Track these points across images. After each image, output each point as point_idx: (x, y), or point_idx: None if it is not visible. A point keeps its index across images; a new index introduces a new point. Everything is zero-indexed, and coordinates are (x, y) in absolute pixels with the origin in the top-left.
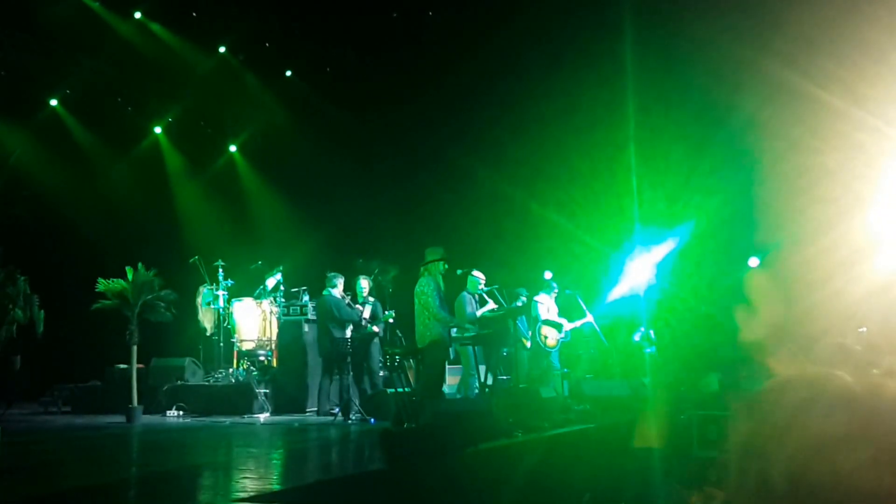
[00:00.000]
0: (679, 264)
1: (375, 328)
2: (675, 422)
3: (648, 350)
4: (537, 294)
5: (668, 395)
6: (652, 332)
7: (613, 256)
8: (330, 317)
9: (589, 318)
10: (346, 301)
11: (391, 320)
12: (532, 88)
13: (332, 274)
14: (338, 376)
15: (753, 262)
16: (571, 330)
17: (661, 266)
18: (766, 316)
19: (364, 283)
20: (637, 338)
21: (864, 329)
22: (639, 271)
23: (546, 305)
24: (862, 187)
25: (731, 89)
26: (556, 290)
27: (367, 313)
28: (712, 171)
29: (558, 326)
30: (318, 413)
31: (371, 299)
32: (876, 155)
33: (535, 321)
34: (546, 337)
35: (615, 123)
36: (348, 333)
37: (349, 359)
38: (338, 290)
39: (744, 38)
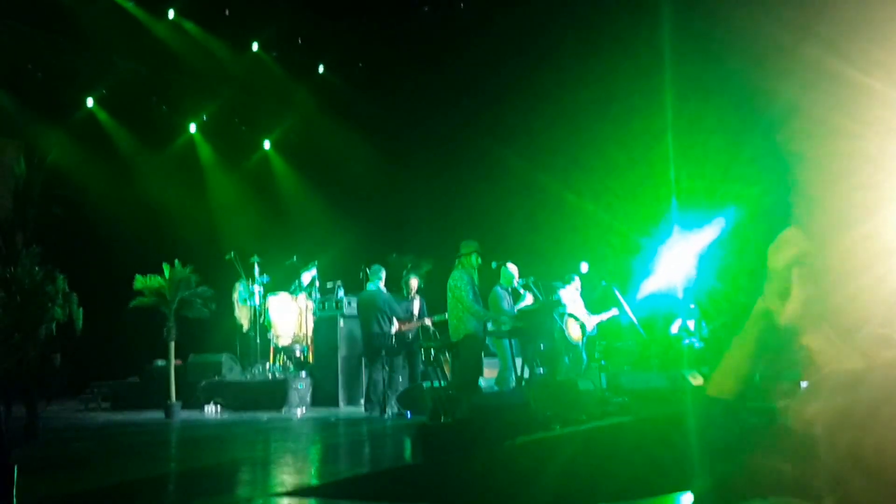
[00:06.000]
0: (720, 254)
1: (428, 320)
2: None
3: (687, 342)
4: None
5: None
6: (691, 323)
7: (651, 247)
8: (377, 310)
9: (615, 311)
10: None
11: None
12: (567, 77)
13: (377, 267)
14: (386, 368)
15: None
16: (598, 323)
17: (701, 257)
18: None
19: (414, 282)
20: (675, 330)
21: None
22: (677, 262)
23: (568, 298)
24: None
25: (771, 75)
26: (576, 282)
27: (415, 308)
28: (753, 160)
29: (582, 324)
30: (365, 407)
31: (417, 296)
32: None
33: (561, 315)
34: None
35: (652, 111)
36: (394, 328)
37: (384, 352)
38: (382, 283)
39: (784, 22)
